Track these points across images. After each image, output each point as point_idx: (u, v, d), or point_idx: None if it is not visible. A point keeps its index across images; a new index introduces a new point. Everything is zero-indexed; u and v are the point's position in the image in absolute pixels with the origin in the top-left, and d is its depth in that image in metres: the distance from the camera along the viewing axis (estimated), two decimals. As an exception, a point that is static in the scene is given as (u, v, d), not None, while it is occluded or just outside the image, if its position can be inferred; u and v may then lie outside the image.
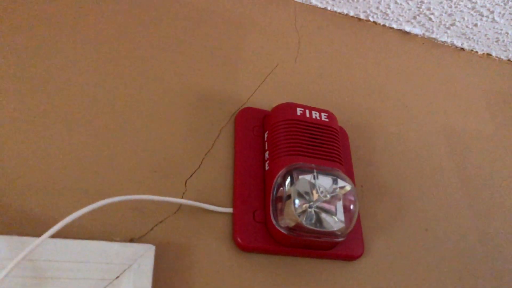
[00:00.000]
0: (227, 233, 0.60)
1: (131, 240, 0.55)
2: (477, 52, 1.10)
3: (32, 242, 0.45)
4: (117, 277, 0.50)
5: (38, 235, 0.49)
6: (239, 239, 0.59)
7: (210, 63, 0.75)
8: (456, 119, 0.93)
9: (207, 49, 0.77)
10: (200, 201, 0.60)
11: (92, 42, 0.69)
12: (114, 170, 0.59)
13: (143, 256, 0.51)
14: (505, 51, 1.11)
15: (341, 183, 0.61)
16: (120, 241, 0.53)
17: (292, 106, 0.68)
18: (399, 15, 0.98)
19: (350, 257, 0.64)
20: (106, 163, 0.59)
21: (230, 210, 0.62)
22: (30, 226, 0.51)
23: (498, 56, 1.13)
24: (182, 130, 0.67)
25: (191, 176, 0.63)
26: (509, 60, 1.14)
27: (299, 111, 0.67)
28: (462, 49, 1.09)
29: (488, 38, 1.06)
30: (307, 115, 0.67)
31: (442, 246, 0.73)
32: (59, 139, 0.59)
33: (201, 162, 0.65)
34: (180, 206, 0.60)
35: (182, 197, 0.61)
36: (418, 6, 0.95)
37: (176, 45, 0.75)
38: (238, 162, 0.66)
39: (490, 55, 1.12)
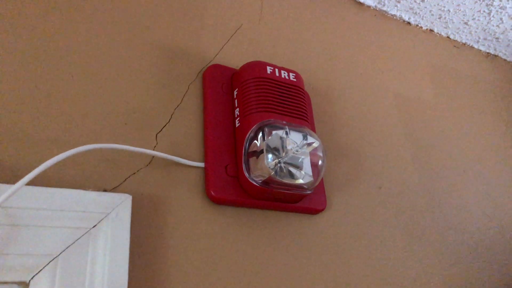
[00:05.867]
0: (199, 186, 0.61)
1: (104, 191, 0.53)
2: (421, 27, 1.17)
3: (5, 189, 0.43)
4: (94, 225, 0.49)
5: (8, 182, 0.46)
6: (212, 192, 0.59)
7: (176, 20, 0.74)
8: (403, 87, 0.99)
9: (172, 6, 0.75)
10: (171, 155, 0.60)
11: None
12: (86, 121, 0.57)
13: (120, 205, 0.51)
14: (446, 28, 1.19)
15: (310, 139, 0.63)
16: (94, 191, 0.52)
17: (262, 64, 0.68)
18: (356, -15, 1.02)
19: (315, 211, 0.68)
20: (77, 114, 0.57)
21: (202, 164, 0.62)
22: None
23: (439, 33, 1.20)
24: (150, 84, 0.65)
25: (161, 130, 0.62)
26: (448, 37, 1.22)
27: (269, 69, 0.68)
28: (409, 23, 1.15)
29: (432, 15, 1.13)
30: (277, 73, 0.68)
31: (393, 202, 0.79)
32: (29, 88, 0.55)
33: (171, 117, 0.64)
34: (153, 158, 0.59)
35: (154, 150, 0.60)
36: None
37: (143, 1, 0.72)
38: (208, 118, 0.66)
39: (433, 31, 1.19)
